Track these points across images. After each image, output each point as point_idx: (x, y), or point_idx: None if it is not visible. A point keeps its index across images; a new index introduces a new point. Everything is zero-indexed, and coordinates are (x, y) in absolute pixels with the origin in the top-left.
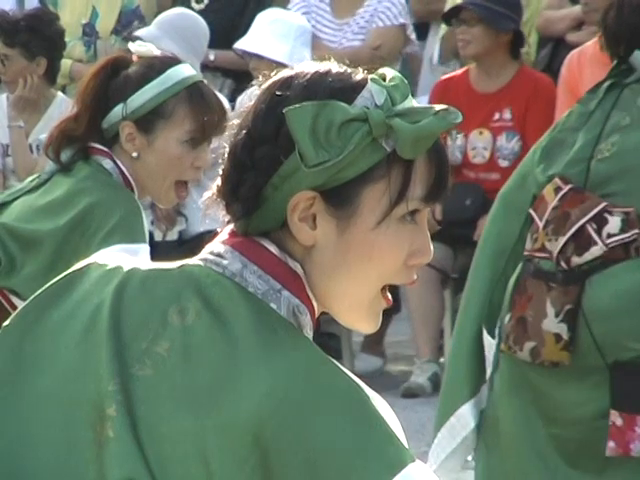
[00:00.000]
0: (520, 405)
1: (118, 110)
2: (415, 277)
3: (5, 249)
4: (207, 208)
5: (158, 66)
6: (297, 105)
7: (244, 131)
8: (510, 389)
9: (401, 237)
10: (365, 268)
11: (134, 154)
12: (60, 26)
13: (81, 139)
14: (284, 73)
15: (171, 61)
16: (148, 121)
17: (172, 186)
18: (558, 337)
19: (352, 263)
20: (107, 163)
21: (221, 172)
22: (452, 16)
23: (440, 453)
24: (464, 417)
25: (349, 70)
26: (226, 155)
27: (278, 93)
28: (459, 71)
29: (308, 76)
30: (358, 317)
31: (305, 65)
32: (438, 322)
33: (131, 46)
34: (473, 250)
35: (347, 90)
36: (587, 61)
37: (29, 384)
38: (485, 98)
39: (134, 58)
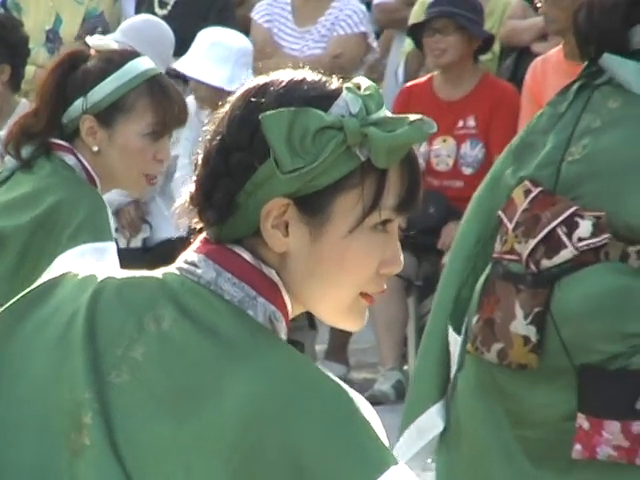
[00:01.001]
0: (485, 406)
1: (78, 104)
2: (385, 286)
3: None
4: (179, 216)
5: (117, 60)
6: (273, 111)
7: (218, 137)
8: (475, 389)
9: (373, 246)
10: (338, 276)
11: (95, 148)
12: (24, 33)
13: (41, 135)
14: (259, 80)
15: (130, 55)
16: (108, 115)
17: (140, 176)
18: (526, 339)
19: (325, 270)
20: (69, 159)
21: (194, 178)
22: (421, 27)
23: (405, 453)
24: (432, 418)
25: (324, 78)
26: (199, 161)
27: (253, 100)
28: (422, 79)
29: (283, 83)
30: (340, 319)
31: (280, 73)
32: (402, 330)
33: (89, 40)
34: (437, 258)
35: (322, 98)
36: (551, 69)
37: (2, 393)
38: (449, 106)
39: (92, 52)
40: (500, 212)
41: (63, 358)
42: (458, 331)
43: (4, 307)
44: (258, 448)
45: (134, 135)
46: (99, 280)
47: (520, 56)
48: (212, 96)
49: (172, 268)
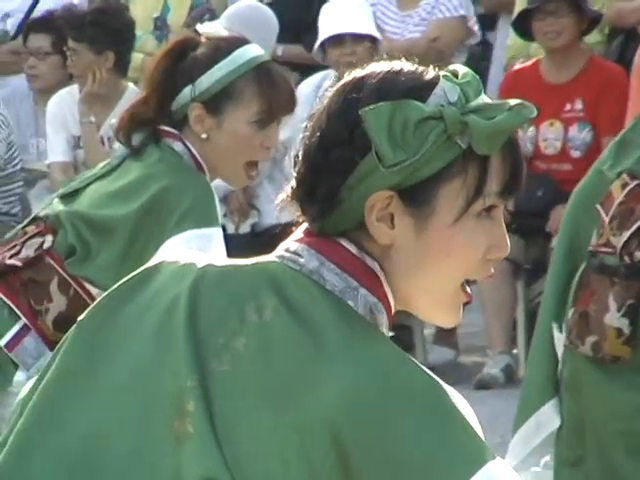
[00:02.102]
0: (594, 397)
1: (187, 92)
2: (492, 271)
3: (80, 237)
4: (281, 210)
5: (225, 47)
6: (373, 106)
7: (318, 133)
8: (584, 382)
9: (479, 233)
10: (444, 265)
11: (203, 135)
12: (128, 17)
13: (151, 122)
14: (355, 74)
15: (238, 42)
16: (217, 102)
17: (243, 167)
18: (620, 332)
19: (431, 261)
20: (177, 146)
21: (295, 174)
22: (529, 12)
23: (524, 448)
24: (548, 414)
25: (420, 68)
26: (300, 157)
27: (351, 94)
28: (528, 63)
29: (380, 76)
30: (439, 312)
31: (376, 65)
32: (511, 313)
33: (199, 27)
34: (545, 241)
35: (420, 89)
36: None
37: (103, 378)
38: (556, 89)
39: (202, 39)
40: (598, 205)
41: (164, 345)
42: (561, 327)
43: (104, 295)
44: (354, 443)
45: (242, 122)
46: (199, 267)
47: (627, 38)
48: None
49: (272, 257)
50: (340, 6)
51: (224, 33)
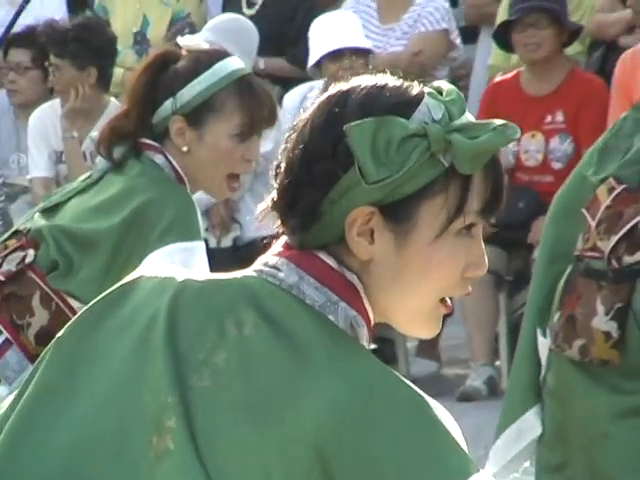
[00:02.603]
0: (578, 400)
1: (167, 105)
2: (470, 289)
3: (62, 251)
4: (261, 221)
5: (207, 60)
6: (357, 122)
7: (301, 146)
8: (568, 386)
9: (458, 251)
10: (423, 282)
11: (184, 148)
12: (110, 33)
13: (132, 135)
14: (339, 87)
15: (219, 54)
16: (198, 115)
17: (224, 179)
18: (608, 335)
19: (410, 277)
20: (158, 158)
21: (277, 186)
22: (509, 24)
23: (505, 455)
24: (530, 422)
25: (405, 84)
26: (282, 169)
27: (334, 109)
28: (509, 75)
29: (365, 91)
30: (418, 325)
31: (360, 79)
32: (493, 325)
33: (180, 40)
34: (527, 253)
35: (404, 105)
36: None
37: (82, 394)
38: (537, 101)
39: (183, 52)
40: (583, 210)
41: (144, 361)
42: (545, 333)
43: (83, 310)
44: (337, 457)
45: (223, 135)
46: (178, 282)
47: (608, 49)
48: None
49: (251, 271)
50: (334, 20)
51: (205, 46)
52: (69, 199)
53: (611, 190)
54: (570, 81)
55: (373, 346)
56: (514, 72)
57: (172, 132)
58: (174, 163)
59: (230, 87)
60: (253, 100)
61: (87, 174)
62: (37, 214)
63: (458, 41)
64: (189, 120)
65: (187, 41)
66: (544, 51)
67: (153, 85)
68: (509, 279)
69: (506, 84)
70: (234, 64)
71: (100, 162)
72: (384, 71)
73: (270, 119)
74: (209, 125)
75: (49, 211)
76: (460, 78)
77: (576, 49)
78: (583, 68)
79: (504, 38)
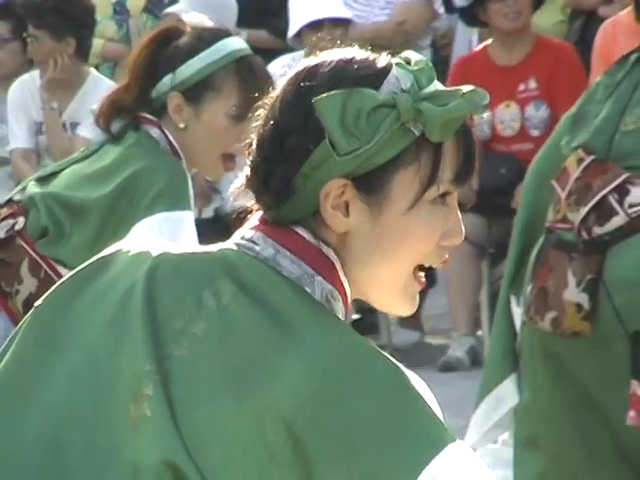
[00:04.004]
0: (548, 372)
1: (167, 80)
2: (447, 257)
3: (53, 218)
4: (235, 199)
5: (208, 38)
6: (326, 94)
7: (271, 122)
8: (539, 358)
9: (433, 220)
10: (399, 252)
11: (181, 125)
12: (89, 3)
13: (131, 109)
14: (307, 62)
15: (221, 33)
16: (196, 92)
17: (219, 158)
18: (579, 307)
19: (386, 248)
20: (155, 132)
21: (249, 163)
22: None
23: (484, 424)
24: (508, 390)
25: (372, 56)
26: (254, 146)
27: (303, 83)
28: (477, 48)
29: (332, 64)
30: (394, 301)
31: (328, 53)
32: (475, 295)
33: (184, 16)
34: (509, 221)
35: (372, 76)
36: (621, 31)
37: (60, 365)
38: (507, 71)
39: (186, 29)
40: (553, 181)
41: (121, 331)
42: (519, 301)
43: (61, 281)
44: (312, 426)
45: (220, 115)
46: (155, 255)
47: (587, 20)
48: None
49: (229, 244)
50: None
51: (209, 24)
52: (65, 168)
53: (580, 161)
54: (539, 48)
55: (356, 316)
56: (481, 46)
57: (170, 108)
58: (170, 138)
59: (230, 67)
60: (251, 81)
61: (85, 147)
62: (31, 183)
63: (441, 10)
64: (187, 97)
65: (190, 18)
66: (523, 19)
67: (154, 60)
68: (491, 251)
69: (474, 58)
70: (235, 44)
71: (92, 133)
72: (366, 43)
73: None
74: (207, 103)
75: (43, 180)
76: (442, 47)
77: (557, 19)
78: (564, 38)
79: (469, 14)
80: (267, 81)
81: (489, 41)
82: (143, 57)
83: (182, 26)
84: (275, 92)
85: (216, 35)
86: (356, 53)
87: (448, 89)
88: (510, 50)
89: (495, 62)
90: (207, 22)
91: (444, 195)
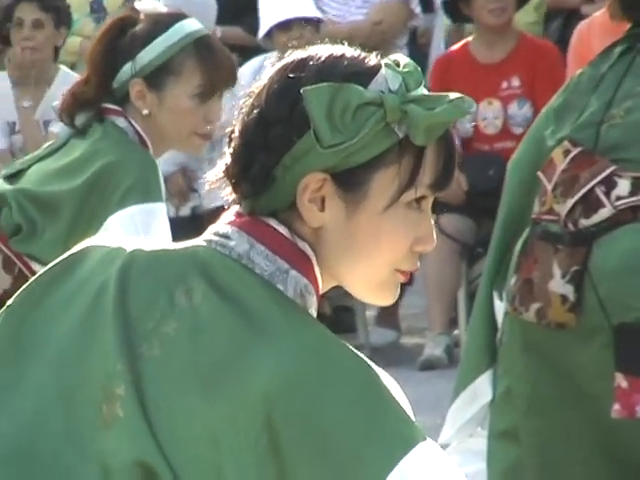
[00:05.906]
0: (530, 364)
1: (127, 68)
2: (418, 264)
3: (25, 214)
4: (213, 186)
5: (164, 22)
6: (315, 85)
7: (256, 110)
8: (521, 350)
9: (407, 223)
10: (373, 251)
11: (145, 111)
12: (62, 1)
13: (93, 101)
14: (297, 54)
15: (177, 16)
16: (157, 77)
17: (191, 135)
18: (564, 298)
19: (360, 246)
20: (121, 122)
21: (231, 151)
22: None
23: (459, 417)
24: (484, 385)
25: (362, 54)
26: (237, 134)
27: (292, 74)
28: (457, 45)
29: (322, 58)
30: (373, 294)
31: (319, 48)
32: (453, 294)
33: (137, 5)
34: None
35: (362, 74)
36: (596, 30)
37: (31, 365)
38: (490, 68)
39: (141, 17)
40: (539, 173)
41: (92, 330)
42: (501, 296)
43: (32, 279)
44: (284, 425)
45: (183, 96)
46: (127, 252)
47: (568, 18)
48: None
49: (201, 241)
50: None
51: (163, 9)
52: (32, 165)
53: (566, 153)
54: (521, 46)
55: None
56: (462, 42)
57: (132, 95)
58: (136, 126)
59: (188, 48)
60: (212, 61)
61: (49, 142)
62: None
63: (418, 10)
64: (149, 83)
65: (144, 5)
66: (508, 15)
67: (112, 50)
68: (480, 250)
69: (455, 55)
70: (192, 25)
71: (63, 129)
72: (342, 42)
73: (230, 79)
74: (169, 88)
75: (12, 177)
76: (420, 47)
77: (531, 18)
78: (541, 37)
79: (453, 9)
80: (227, 60)
81: (470, 38)
82: (100, 48)
83: (136, 15)
84: (262, 81)
85: (172, 18)
86: (346, 50)
87: (436, 94)
88: (492, 47)
89: (477, 59)
90: (161, 8)
91: (420, 200)
